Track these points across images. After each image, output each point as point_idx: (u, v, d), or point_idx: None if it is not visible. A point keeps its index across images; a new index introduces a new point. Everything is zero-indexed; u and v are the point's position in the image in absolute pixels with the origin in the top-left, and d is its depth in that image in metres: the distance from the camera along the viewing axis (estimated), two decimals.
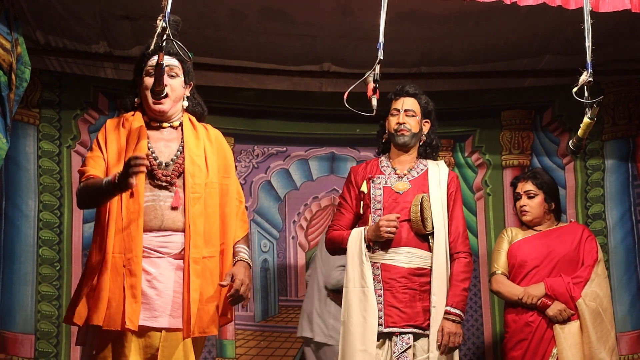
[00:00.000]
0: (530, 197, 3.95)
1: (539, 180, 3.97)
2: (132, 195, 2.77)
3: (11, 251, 4.31)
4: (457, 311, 3.26)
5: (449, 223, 3.38)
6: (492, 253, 4.13)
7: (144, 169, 2.65)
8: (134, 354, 2.71)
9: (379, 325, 3.22)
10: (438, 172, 3.45)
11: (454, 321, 3.24)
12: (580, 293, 3.74)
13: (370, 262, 3.29)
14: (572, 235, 3.90)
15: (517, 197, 4.01)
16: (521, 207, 3.97)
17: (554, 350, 3.73)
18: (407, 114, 3.43)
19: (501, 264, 3.95)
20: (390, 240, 3.28)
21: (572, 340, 3.71)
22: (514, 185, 4.07)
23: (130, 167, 2.61)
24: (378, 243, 3.29)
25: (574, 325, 3.74)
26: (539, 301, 3.75)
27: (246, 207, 3.16)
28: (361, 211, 3.43)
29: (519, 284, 3.85)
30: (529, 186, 3.96)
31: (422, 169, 3.46)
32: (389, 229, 3.22)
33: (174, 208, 2.81)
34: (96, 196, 2.80)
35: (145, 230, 2.77)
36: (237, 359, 4.59)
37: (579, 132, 2.88)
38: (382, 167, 3.50)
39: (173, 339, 2.76)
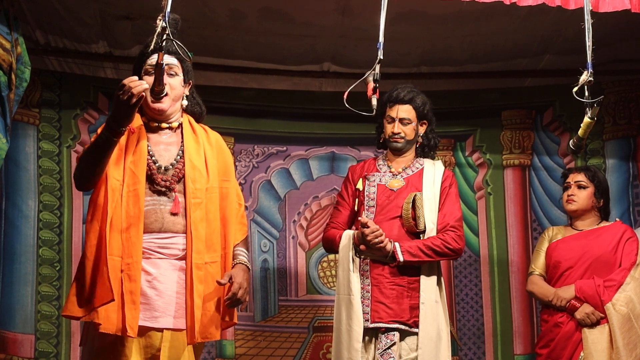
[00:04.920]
0: (580, 188, 3.88)
1: (591, 173, 3.92)
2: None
3: (11, 251, 4.31)
4: (399, 252, 3.23)
5: (439, 213, 3.38)
6: (533, 253, 4.09)
7: (145, 86, 2.60)
8: (135, 354, 2.70)
9: (365, 320, 3.23)
10: (433, 171, 3.46)
11: (389, 252, 3.24)
12: (611, 297, 3.63)
13: (360, 257, 3.31)
14: (612, 235, 3.80)
15: (566, 187, 3.94)
16: (569, 195, 3.89)
17: (582, 354, 3.64)
18: (402, 123, 3.44)
19: (539, 264, 3.92)
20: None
21: (600, 345, 3.60)
22: (565, 176, 4.01)
23: (127, 90, 2.54)
24: (366, 253, 3.30)
25: (603, 329, 3.63)
26: (568, 303, 3.69)
27: (246, 207, 3.15)
28: (356, 208, 3.45)
29: (554, 285, 3.80)
30: (581, 177, 3.90)
31: (417, 168, 3.48)
32: (377, 240, 3.23)
33: (173, 214, 2.79)
34: (93, 155, 2.71)
35: (145, 232, 2.75)
36: (236, 359, 4.59)
37: (580, 132, 2.87)
38: (378, 165, 3.53)
39: (178, 339, 2.74)
